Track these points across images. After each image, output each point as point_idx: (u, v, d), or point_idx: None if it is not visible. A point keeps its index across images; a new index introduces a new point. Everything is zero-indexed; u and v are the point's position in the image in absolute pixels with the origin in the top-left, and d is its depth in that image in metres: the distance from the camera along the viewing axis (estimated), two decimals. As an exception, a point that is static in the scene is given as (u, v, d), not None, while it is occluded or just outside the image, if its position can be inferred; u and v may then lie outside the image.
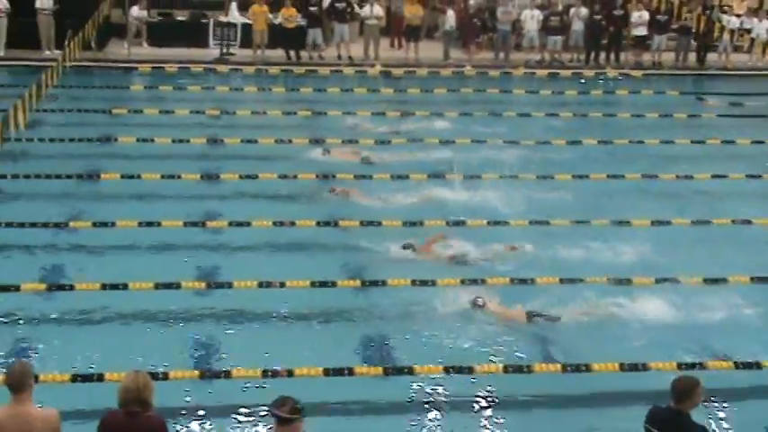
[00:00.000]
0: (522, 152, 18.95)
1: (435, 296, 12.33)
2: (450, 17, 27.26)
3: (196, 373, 10.37)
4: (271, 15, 26.58)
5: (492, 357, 11.01)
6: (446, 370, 10.52)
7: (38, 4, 24.91)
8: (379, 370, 10.55)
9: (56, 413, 7.00)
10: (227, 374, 10.33)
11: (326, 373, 10.27)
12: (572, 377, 10.58)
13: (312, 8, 26.61)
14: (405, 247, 13.77)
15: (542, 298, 12.27)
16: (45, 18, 24.82)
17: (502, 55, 27.60)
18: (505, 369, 10.65)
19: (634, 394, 9.99)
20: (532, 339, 11.59)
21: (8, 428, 6.77)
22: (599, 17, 27.52)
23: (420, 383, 10.39)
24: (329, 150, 18.57)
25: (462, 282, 12.67)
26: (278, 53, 26.55)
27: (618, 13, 27.69)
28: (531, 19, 27.44)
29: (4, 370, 7.04)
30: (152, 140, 18.77)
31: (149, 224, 14.34)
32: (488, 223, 14.88)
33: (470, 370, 10.57)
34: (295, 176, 16.91)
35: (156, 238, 14.12)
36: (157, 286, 12.26)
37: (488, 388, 10.34)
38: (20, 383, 6.84)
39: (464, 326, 11.71)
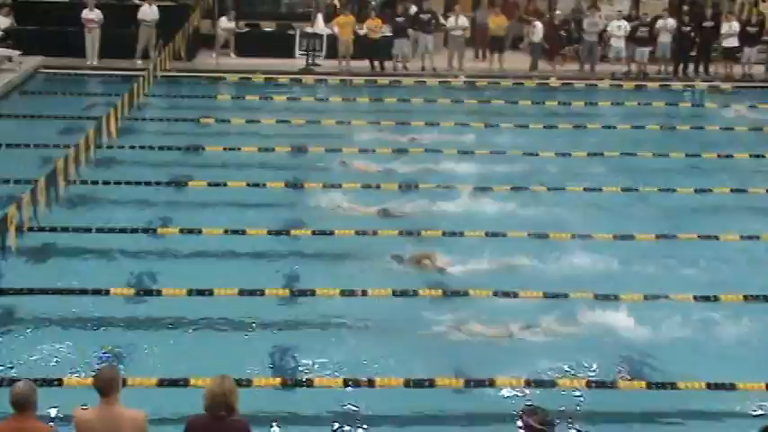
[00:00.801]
0: (606, 165, 18.74)
1: (513, 307, 12.25)
2: (539, 28, 27.06)
3: (278, 380, 10.46)
4: (356, 26, 26.78)
5: (575, 373, 10.89)
6: (527, 383, 10.45)
7: (140, 15, 25.53)
8: (460, 382, 10.50)
9: (143, 415, 7.14)
10: (310, 383, 10.40)
11: (407, 384, 10.28)
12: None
13: (398, 19, 26.72)
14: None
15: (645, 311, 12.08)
16: (147, 29, 25.40)
17: (588, 66, 27.33)
18: (588, 384, 10.52)
19: None
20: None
21: (97, 429, 6.94)
22: (688, 29, 27.08)
23: (501, 395, 10.34)
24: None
25: (545, 295, 12.56)
26: (363, 64, 26.73)
27: (707, 24, 27.23)
28: (618, 30, 27.11)
29: (94, 373, 7.18)
30: (238, 149, 19.05)
31: (235, 232, 14.56)
32: (572, 236, 14.71)
33: (553, 384, 10.47)
34: (378, 186, 16.97)
35: (241, 245, 14.30)
36: (242, 293, 12.42)
37: (573, 401, 10.23)
38: (108, 387, 7.01)
39: (545, 340, 11.61)
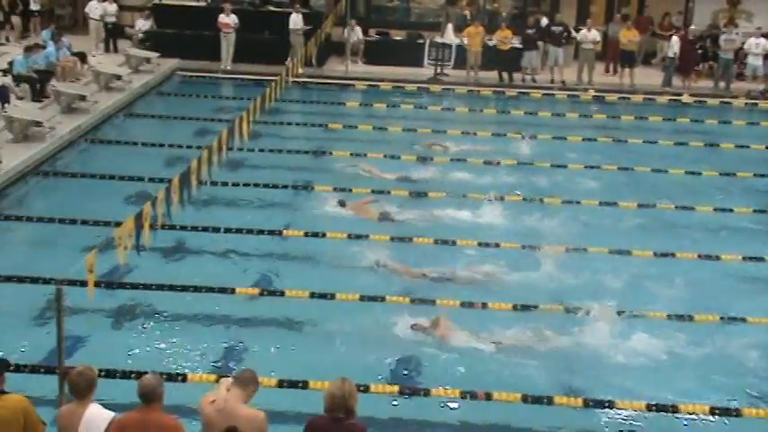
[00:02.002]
0: (739, 185, 18.21)
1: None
2: (675, 43, 26.42)
3: (396, 388, 10.51)
4: (486, 37, 26.73)
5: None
6: (648, 407, 10.24)
7: (291, 25, 26.04)
8: (579, 401, 10.35)
9: (263, 415, 7.30)
10: (426, 392, 10.43)
11: (525, 399, 10.20)
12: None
13: (529, 31, 26.54)
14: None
15: None
16: (297, 37, 25.90)
17: (722, 84, 26.58)
18: (712, 411, 10.24)
19: None
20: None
21: (216, 423, 7.13)
22: (833, 47, 26.07)
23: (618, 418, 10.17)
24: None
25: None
26: (491, 75, 26.65)
27: None
28: (756, 47, 26.29)
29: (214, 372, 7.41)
30: (364, 155, 19.23)
31: (358, 237, 14.71)
32: (699, 257, 14.34)
33: (674, 409, 10.22)
34: (502, 198, 16.89)
35: (364, 251, 14.42)
36: (362, 299, 12.55)
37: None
38: (248, 379, 7.24)
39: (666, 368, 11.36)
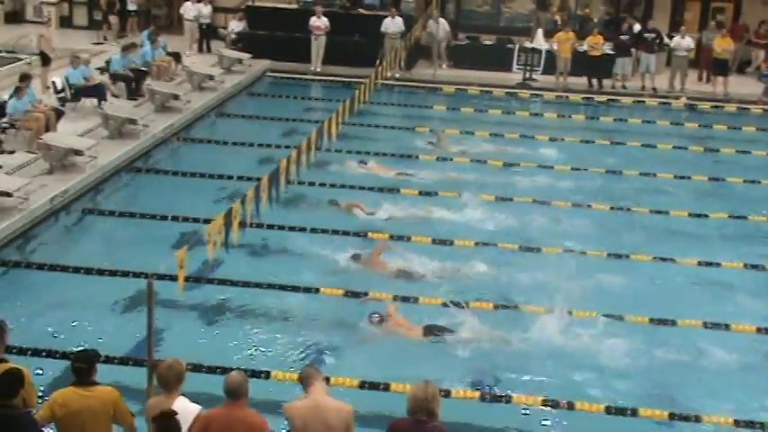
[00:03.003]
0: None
1: None
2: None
3: (477, 393, 10.49)
4: (576, 42, 26.48)
5: None
6: (736, 423, 10.04)
7: (383, 29, 26.17)
8: (665, 414, 10.19)
9: (350, 408, 7.38)
10: (508, 399, 10.39)
11: (608, 411, 10.09)
12: None
13: (622, 37, 26.16)
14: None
15: None
16: (391, 41, 26.01)
17: (820, 94, 25.85)
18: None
19: None
20: None
21: (307, 417, 7.23)
22: None
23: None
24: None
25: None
26: (580, 81, 26.38)
27: None
28: None
29: (296, 370, 7.50)
30: (450, 160, 19.23)
31: (442, 242, 14.75)
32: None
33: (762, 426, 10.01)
34: (588, 206, 16.74)
35: (444, 255, 14.37)
36: (445, 305, 12.55)
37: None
38: (313, 379, 7.30)
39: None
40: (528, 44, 27.37)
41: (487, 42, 28.38)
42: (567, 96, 25.70)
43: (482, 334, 11.74)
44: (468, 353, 11.46)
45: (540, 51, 27.00)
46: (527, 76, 26.78)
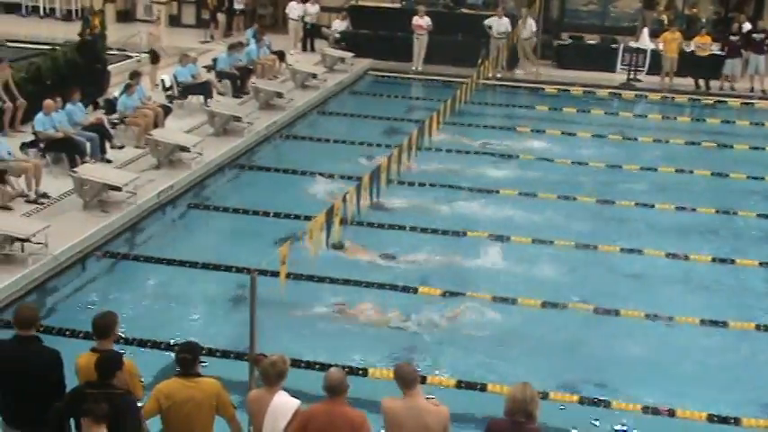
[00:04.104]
0: None
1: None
2: None
3: (575, 397, 10.40)
4: (683, 43, 25.94)
5: None
6: None
7: (493, 33, 26.09)
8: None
9: (447, 410, 7.38)
10: (607, 404, 10.26)
11: (710, 419, 9.89)
12: None
13: (733, 37, 25.50)
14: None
15: None
16: (496, 41, 25.86)
17: None
18: None
19: None
20: None
21: (404, 417, 7.26)
22: None
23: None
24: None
25: None
26: (686, 81, 25.83)
27: None
28: None
29: (393, 367, 7.53)
30: (551, 161, 19.08)
31: (542, 242, 14.69)
32: None
33: None
34: (693, 209, 16.43)
35: (547, 256, 14.29)
36: (544, 305, 12.49)
37: None
38: (412, 379, 7.31)
39: None
40: (633, 44, 26.93)
41: (591, 42, 28.00)
42: (673, 97, 25.21)
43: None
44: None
45: (645, 51, 26.55)
46: (631, 76, 26.36)
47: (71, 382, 7.63)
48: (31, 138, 16.63)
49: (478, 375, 10.63)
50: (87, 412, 6.78)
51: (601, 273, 13.99)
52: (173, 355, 8.11)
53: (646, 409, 10.12)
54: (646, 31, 26.98)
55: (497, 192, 17.14)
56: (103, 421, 6.79)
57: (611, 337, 11.93)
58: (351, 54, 26.42)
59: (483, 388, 10.35)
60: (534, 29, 26.46)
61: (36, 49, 24.25)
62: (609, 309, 12.54)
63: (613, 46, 27.32)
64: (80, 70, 20.02)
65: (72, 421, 7.25)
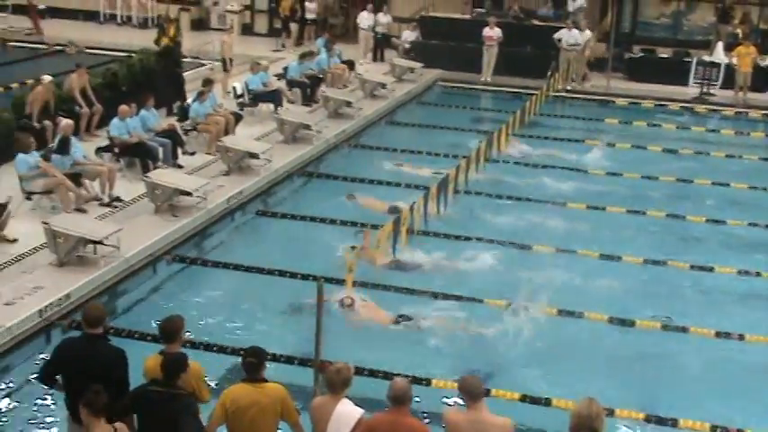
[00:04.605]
0: None
1: None
2: None
3: (642, 414, 10.26)
4: (758, 57, 25.50)
5: None
6: None
7: (563, 45, 25.92)
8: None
9: (510, 422, 7.33)
10: (674, 423, 10.10)
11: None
12: None
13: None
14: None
15: None
16: (566, 53, 25.78)
17: None
18: None
19: None
20: None
21: (467, 430, 7.22)
22: None
23: None
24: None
25: None
26: (761, 96, 25.39)
27: None
28: None
29: (460, 379, 7.50)
30: (621, 174, 18.89)
31: (609, 257, 14.54)
32: None
33: None
34: (766, 226, 16.13)
35: (615, 271, 14.17)
36: (611, 321, 12.36)
37: None
38: (478, 393, 7.29)
39: None
40: (706, 57, 26.59)
41: (663, 55, 27.69)
42: (747, 112, 24.81)
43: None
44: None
45: (718, 65, 26.21)
46: (704, 90, 26.00)
47: (138, 383, 7.75)
48: (106, 142, 17.01)
49: (543, 389, 10.54)
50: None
51: (669, 289, 13.78)
52: (238, 359, 8.19)
53: (714, 429, 9.94)
54: (720, 44, 26.62)
55: (564, 204, 16.99)
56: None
57: (679, 354, 11.75)
58: (420, 64, 26.49)
59: (548, 402, 10.26)
60: (591, 40, 26.18)
61: (113, 55, 24.79)
62: (677, 325, 12.39)
63: (686, 59, 27.00)
64: (155, 77, 20.42)
65: (135, 418, 7.41)
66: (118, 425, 7.18)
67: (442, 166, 16.52)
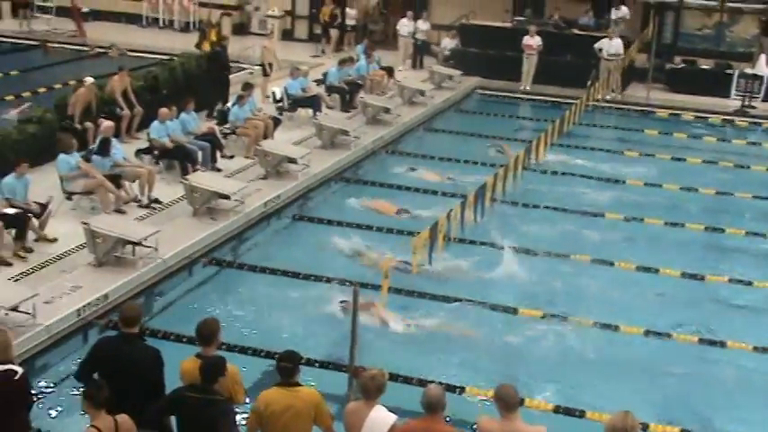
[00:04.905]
0: None
1: None
2: None
3: (677, 430, 10.15)
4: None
5: None
6: None
7: (604, 55, 25.77)
8: None
9: (544, 429, 7.29)
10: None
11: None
12: None
13: None
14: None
15: None
16: (606, 63, 25.59)
17: None
18: None
19: None
20: None
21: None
22: None
23: None
24: None
25: None
26: (806, 110, 25.15)
27: None
28: None
29: (496, 388, 7.45)
30: (659, 186, 18.75)
31: (647, 269, 14.40)
32: None
33: None
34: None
35: (652, 283, 14.08)
36: (647, 334, 12.26)
37: None
38: (514, 403, 7.26)
39: None
40: (748, 70, 26.32)
41: (705, 66, 27.46)
42: (789, 126, 24.55)
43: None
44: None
45: (761, 78, 25.94)
46: (746, 102, 25.74)
47: (174, 385, 7.81)
48: (146, 145, 17.17)
49: (577, 401, 10.48)
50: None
51: (707, 303, 13.67)
52: (273, 363, 8.23)
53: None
54: (763, 57, 26.35)
55: (602, 215, 16.89)
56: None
57: (716, 368, 11.64)
58: (459, 72, 26.45)
59: (582, 414, 10.21)
60: (621, 49, 25.96)
61: (154, 59, 25.03)
62: (714, 339, 12.27)
63: (728, 71, 26.74)
64: (196, 80, 20.60)
65: (173, 420, 7.46)
66: (119, 417, 7.35)
67: (480, 175, 16.48)
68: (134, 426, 7.45)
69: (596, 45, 25.95)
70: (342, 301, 12.31)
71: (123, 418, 7.38)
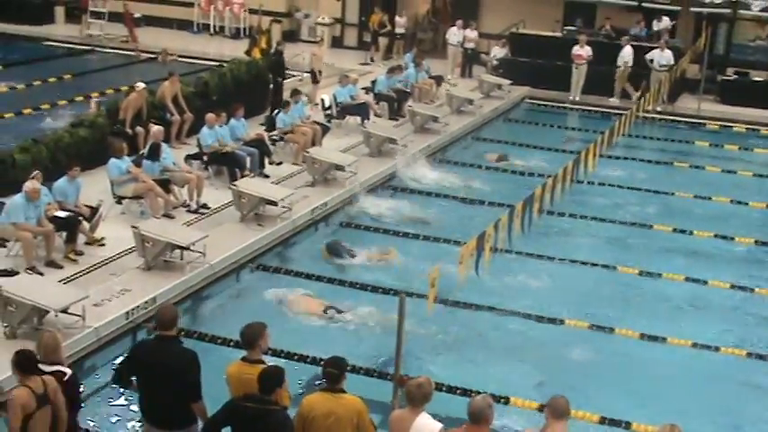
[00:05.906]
0: None
1: None
2: None
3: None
4: None
5: None
6: None
7: (655, 66, 25.57)
8: None
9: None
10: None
11: None
12: None
13: None
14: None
15: None
16: (657, 74, 25.38)
17: None
18: None
19: None
20: None
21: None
22: None
23: None
24: None
25: None
26: None
27: None
28: None
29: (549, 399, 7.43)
30: (709, 198, 18.55)
31: (695, 281, 14.26)
32: None
33: None
34: None
35: (700, 295, 13.94)
36: (695, 345, 12.14)
37: None
38: (563, 412, 7.22)
39: None
40: (803, 82, 25.97)
41: (758, 78, 27.11)
42: (843, 138, 24.15)
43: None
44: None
45: (815, 90, 25.56)
46: (798, 114, 25.39)
47: (219, 389, 7.86)
48: (195, 150, 17.33)
49: (623, 412, 10.39)
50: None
51: (756, 316, 13.49)
52: (318, 369, 8.24)
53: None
54: (817, 69, 25.99)
55: (651, 227, 16.76)
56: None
57: (765, 383, 11.48)
58: (508, 81, 26.37)
59: (627, 426, 10.14)
60: (671, 60, 25.65)
61: (204, 65, 25.27)
62: (763, 353, 12.11)
63: (780, 83, 26.40)
64: (246, 87, 20.79)
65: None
66: (46, 377, 7.57)
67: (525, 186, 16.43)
68: (58, 387, 7.64)
69: (647, 56, 25.74)
70: (328, 308, 12.45)
71: (49, 378, 7.60)
